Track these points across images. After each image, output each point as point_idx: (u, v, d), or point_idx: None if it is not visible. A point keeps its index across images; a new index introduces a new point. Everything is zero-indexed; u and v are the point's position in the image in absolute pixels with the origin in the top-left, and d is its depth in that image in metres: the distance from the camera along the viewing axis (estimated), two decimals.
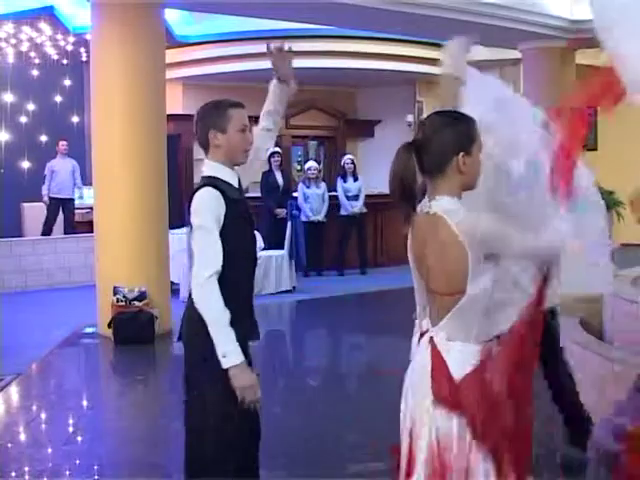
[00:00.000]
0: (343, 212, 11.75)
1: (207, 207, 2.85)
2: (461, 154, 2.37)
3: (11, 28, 11.21)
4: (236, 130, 2.97)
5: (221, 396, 2.79)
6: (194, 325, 2.83)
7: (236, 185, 3.01)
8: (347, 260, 11.86)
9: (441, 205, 2.35)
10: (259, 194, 10.57)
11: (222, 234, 2.85)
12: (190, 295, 2.86)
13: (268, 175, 10.79)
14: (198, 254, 2.82)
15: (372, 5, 8.45)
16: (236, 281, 2.90)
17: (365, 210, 11.79)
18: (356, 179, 11.85)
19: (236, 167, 3.06)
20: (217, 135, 2.97)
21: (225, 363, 2.71)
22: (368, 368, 6.82)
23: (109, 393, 6.25)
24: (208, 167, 3.02)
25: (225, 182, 2.96)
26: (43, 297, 9.90)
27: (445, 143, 2.38)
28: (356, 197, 11.76)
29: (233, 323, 2.77)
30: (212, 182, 2.92)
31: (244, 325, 2.93)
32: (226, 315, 2.75)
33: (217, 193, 2.88)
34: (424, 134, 2.42)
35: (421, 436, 2.33)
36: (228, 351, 2.71)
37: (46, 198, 11.56)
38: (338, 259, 11.80)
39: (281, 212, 10.74)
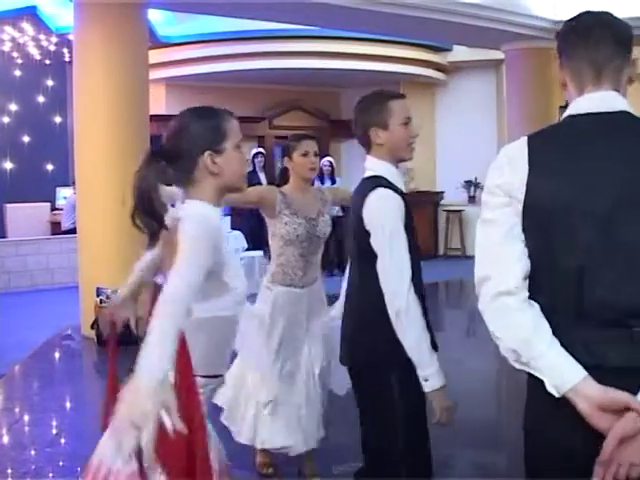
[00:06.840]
0: None
1: (391, 208, 2.65)
2: (207, 153, 2.05)
3: None
4: (399, 124, 2.77)
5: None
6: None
7: (401, 187, 2.78)
8: (329, 261, 11.86)
9: (186, 209, 2.05)
10: None
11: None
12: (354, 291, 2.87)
13: (252, 176, 10.75)
14: (389, 264, 2.59)
15: (354, 5, 8.46)
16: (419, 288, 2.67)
17: (342, 213, 11.04)
18: (334, 182, 11.68)
19: None
20: (379, 132, 2.77)
21: (426, 387, 2.49)
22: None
23: (92, 394, 6.22)
24: (373, 164, 2.79)
25: (391, 183, 2.73)
26: (26, 298, 9.84)
27: (187, 145, 2.05)
28: None
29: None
30: (383, 183, 2.70)
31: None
32: (427, 334, 2.54)
33: (397, 195, 2.67)
34: (166, 140, 2.09)
35: None
36: (430, 374, 2.49)
37: None
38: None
39: None
